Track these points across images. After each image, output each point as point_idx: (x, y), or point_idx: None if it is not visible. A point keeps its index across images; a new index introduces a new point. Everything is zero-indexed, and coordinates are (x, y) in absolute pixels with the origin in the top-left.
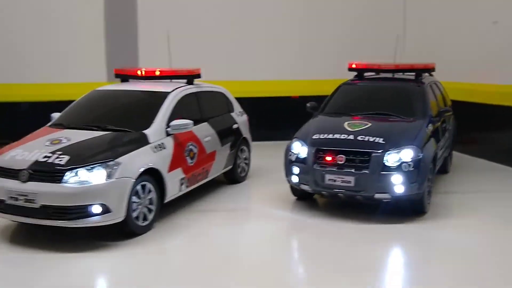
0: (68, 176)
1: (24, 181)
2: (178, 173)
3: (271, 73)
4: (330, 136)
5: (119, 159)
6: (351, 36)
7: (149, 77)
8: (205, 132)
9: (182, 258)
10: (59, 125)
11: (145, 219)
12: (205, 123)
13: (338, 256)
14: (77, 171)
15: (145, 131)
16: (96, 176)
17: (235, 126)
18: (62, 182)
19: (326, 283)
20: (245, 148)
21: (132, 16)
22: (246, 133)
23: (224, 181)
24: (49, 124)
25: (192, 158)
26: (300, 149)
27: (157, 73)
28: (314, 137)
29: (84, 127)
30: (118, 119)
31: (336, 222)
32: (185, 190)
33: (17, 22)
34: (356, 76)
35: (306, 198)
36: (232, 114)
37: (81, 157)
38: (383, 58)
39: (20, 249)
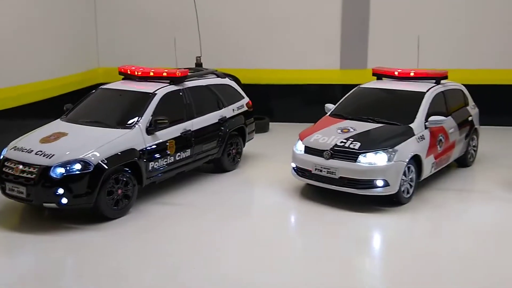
0: (360, 157)
1: (327, 159)
2: (431, 159)
3: None
4: None
5: (396, 147)
6: None
7: (403, 77)
8: (450, 124)
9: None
10: (339, 115)
11: (407, 192)
12: (450, 117)
13: None
14: (366, 154)
15: (411, 125)
16: (379, 159)
17: (470, 118)
18: (357, 161)
19: None
20: (475, 137)
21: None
22: (477, 124)
23: (453, 165)
24: (328, 114)
25: (440, 147)
26: None
27: (412, 74)
28: None
29: (360, 118)
30: (387, 114)
31: None
32: (433, 171)
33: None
34: None
35: None
36: (468, 107)
37: (369, 144)
38: None
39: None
